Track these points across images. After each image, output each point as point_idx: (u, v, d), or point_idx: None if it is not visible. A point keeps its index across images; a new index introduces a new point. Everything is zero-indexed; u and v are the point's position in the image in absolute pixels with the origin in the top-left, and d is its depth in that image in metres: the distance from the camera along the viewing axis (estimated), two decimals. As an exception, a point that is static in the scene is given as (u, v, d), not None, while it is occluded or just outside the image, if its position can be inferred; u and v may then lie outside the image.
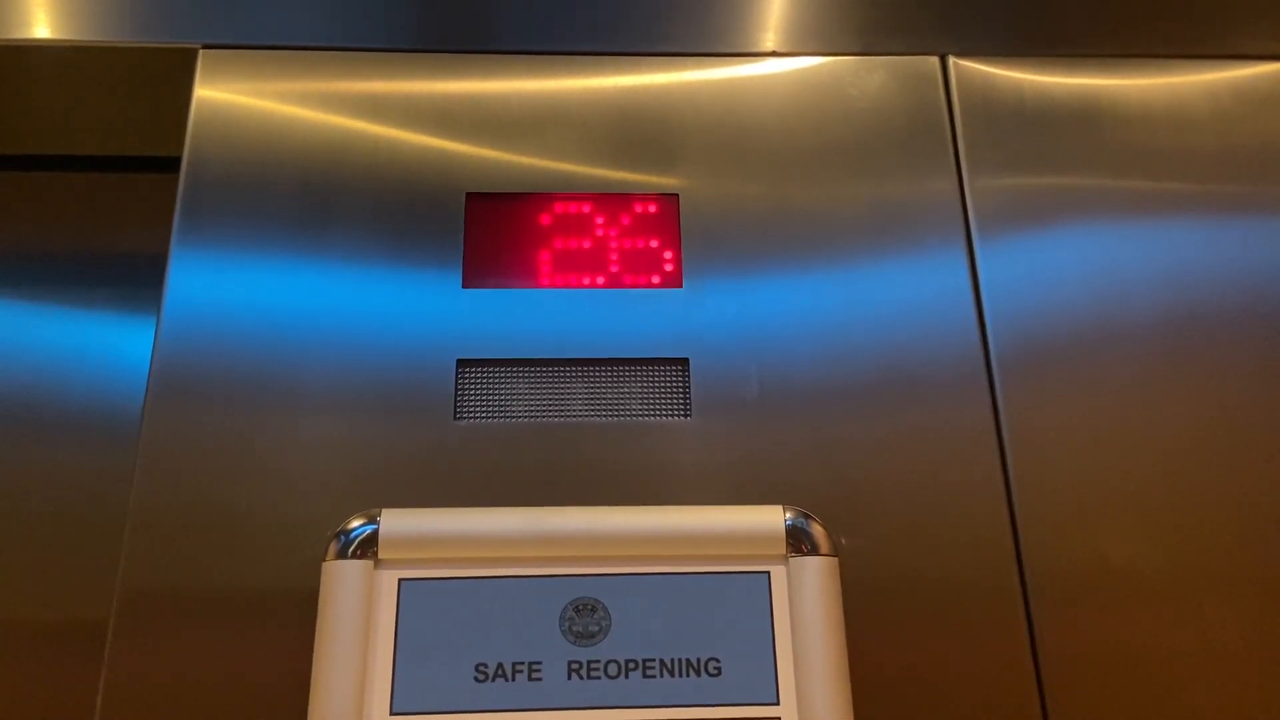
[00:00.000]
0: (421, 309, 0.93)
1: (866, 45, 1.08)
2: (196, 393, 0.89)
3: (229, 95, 1.01)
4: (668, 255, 0.97)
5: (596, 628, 0.78)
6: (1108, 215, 1.01)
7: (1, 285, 1.13)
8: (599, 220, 0.98)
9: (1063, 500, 0.90)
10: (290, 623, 0.81)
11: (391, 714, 0.74)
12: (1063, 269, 0.98)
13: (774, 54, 1.07)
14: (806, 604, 0.78)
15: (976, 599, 0.86)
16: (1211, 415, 0.94)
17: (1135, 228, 1.01)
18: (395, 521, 0.79)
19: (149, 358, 0.90)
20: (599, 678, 0.76)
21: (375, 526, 0.79)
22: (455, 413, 0.90)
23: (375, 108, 1.01)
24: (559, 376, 0.92)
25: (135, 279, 1.13)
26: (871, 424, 0.91)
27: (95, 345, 1.11)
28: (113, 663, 0.80)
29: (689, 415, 0.91)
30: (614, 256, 0.97)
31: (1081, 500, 0.90)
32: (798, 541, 0.80)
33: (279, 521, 0.85)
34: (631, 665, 0.77)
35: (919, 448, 0.90)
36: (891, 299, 0.96)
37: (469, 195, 0.98)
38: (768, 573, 0.79)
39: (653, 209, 0.99)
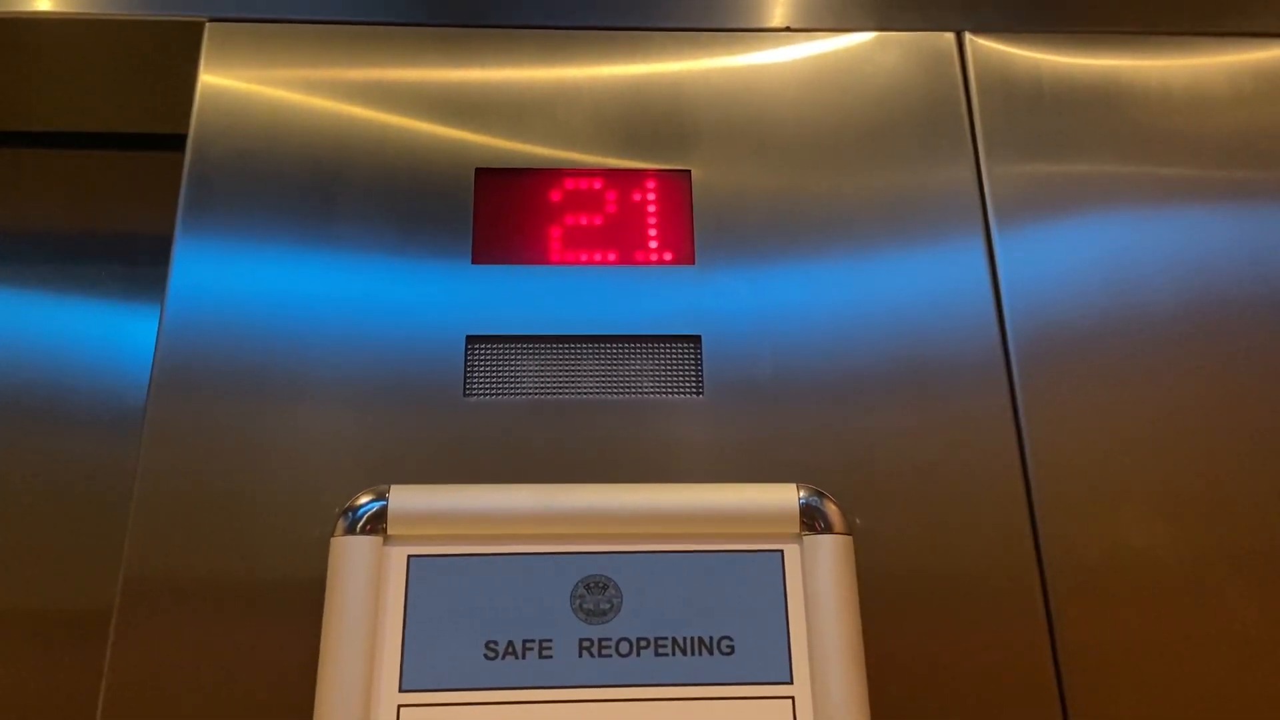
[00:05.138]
0: (431, 286, 0.92)
1: (881, 21, 1.06)
2: (202, 376, 0.87)
3: (235, 73, 0.99)
4: (680, 232, 0.96)
5: (608, 605, 0.77)
6: (1127, 200, 0.99)
7: (1, 266, 1.12)
8: (610, 196, 0.97)
9: (1082, 488, 0.88)
10: (300, 608, 0.80)
11: (401, 691, 0.73)
12: (1081, 254, 0.97)
13: (787, 29, 1.06)
14: (820, 582, 0.77)
15: (993, 587, 0.84)
16: (1232, 403, 0.92)
17: (1154, 213, 0.99)
18: (404, 497, 0.78)
19: (154, 340, 0.89)
20: (610, 655, 0.75)
21: (384, 502, 0.78)
22: (465, 389, 0.89)
23: (384, 88, 1.00)
24: (569, 353, 0.91)
25: (140, 259, 1.12)
26: (887, 409, 0.90)
27: (98, 328, 1.10)
28: (117, 651, 0.79)
29: (701, 393, 0.90)
30: (625, 233, 0.96)
31: (1101, 488, 0.89)
32: (812, 520, 0.79)
33: (287, 506, 0.84)
34: (643, 643, 0.76)
35: (935, 434, 0.89)
36: (908, 283, 0.95)
37: (479, 170, 0.97)
38: (781, 551, 0.78)
39: (664, 185, 0.98)
